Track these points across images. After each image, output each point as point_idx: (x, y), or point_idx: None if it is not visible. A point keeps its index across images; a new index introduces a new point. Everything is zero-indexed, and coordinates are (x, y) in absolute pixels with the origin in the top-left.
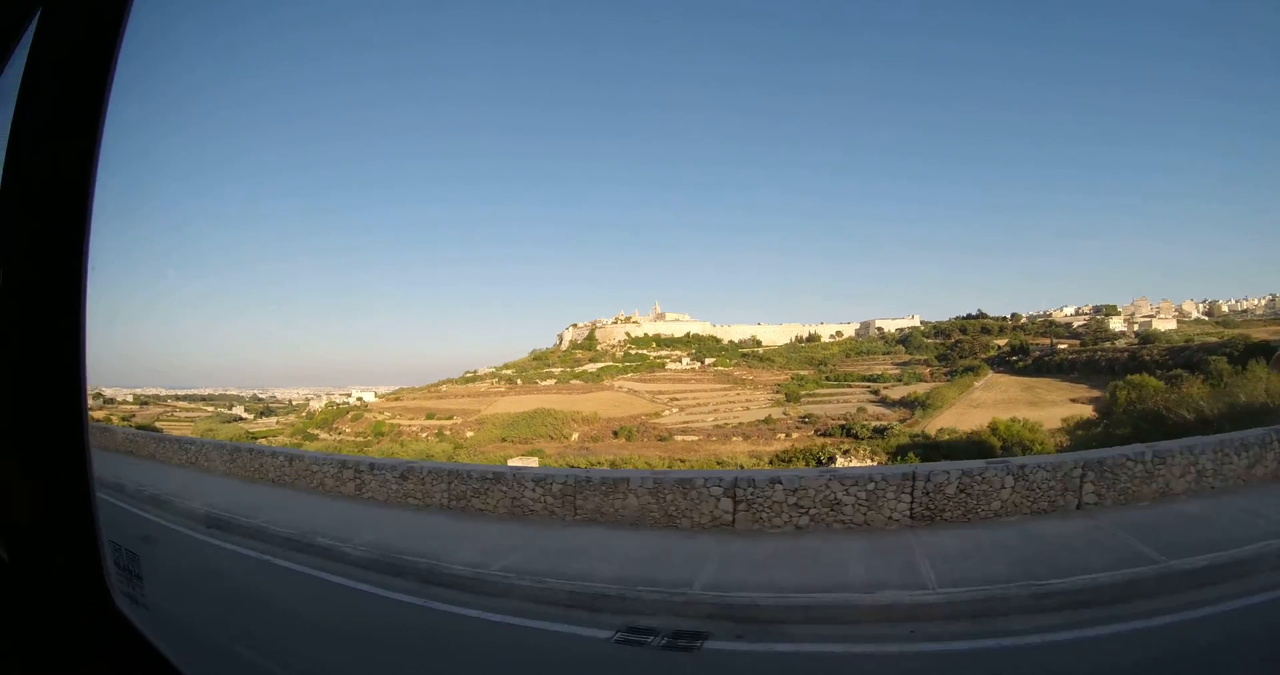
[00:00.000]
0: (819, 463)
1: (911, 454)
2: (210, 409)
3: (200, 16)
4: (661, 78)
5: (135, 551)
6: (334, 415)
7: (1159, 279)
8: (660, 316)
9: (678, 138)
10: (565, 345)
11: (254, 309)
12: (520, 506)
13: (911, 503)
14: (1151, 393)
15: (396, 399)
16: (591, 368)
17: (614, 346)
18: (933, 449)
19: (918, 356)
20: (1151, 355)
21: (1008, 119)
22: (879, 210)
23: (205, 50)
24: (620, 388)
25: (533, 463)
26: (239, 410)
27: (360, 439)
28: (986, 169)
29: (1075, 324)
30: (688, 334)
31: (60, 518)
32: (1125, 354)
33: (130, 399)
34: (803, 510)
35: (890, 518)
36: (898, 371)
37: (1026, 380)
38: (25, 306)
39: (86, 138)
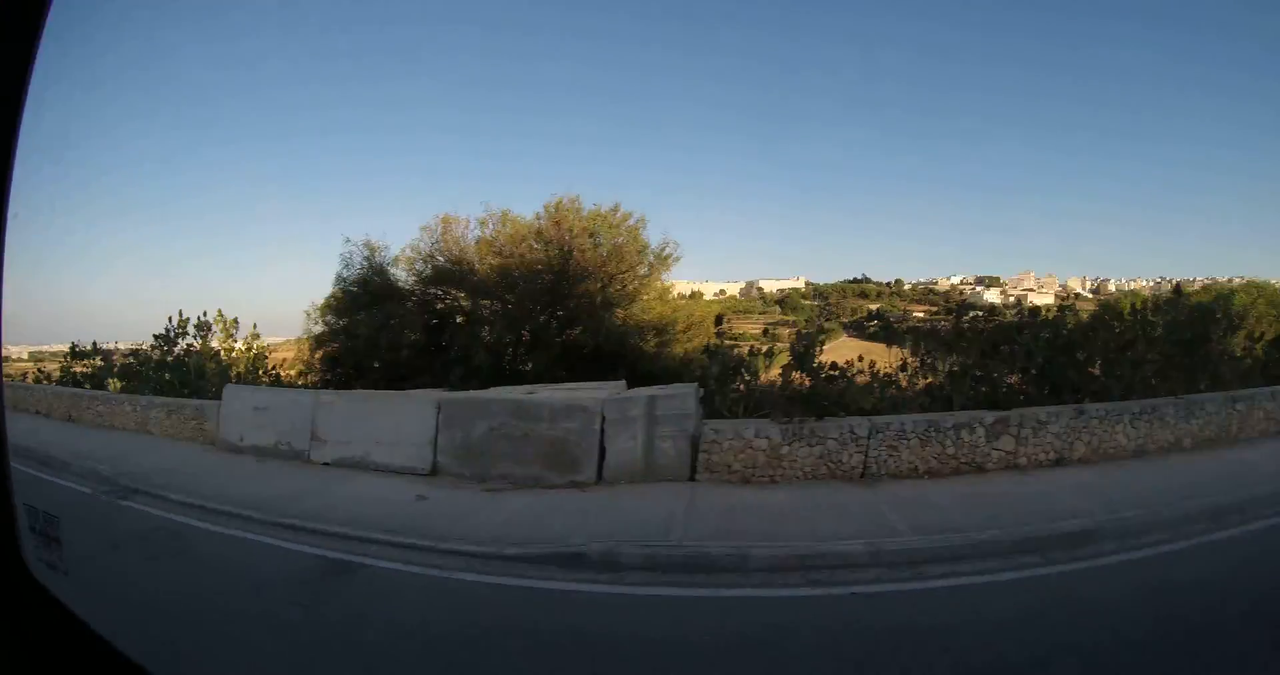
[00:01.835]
0: None
1: None
2: None
3: None
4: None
5: (54, 514)
6: None
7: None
8: None
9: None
10: None
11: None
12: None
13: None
14: None
15: None
16: None
17: None
18: None
19: (788, 317)
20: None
21: (937, 95)
22: (796, 175)
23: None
24: None
25: None
26: None
27: None
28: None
29: (954, 294)
30: None
31: None
32: (966, 325)
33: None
34: None
35: None
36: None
37: (867, 345)
38: None
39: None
